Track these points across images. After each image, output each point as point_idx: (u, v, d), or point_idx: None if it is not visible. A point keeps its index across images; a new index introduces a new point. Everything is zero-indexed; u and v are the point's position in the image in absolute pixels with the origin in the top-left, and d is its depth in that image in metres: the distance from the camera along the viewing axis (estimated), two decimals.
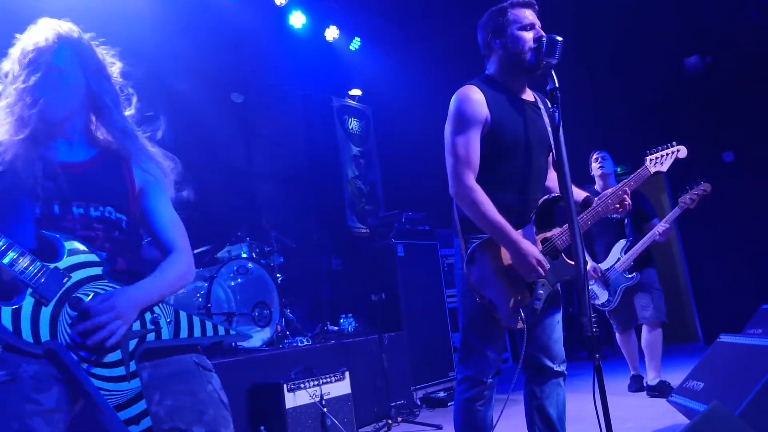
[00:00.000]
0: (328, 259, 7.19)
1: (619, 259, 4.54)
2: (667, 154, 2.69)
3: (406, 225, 6.04)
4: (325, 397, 3.88)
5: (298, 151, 7.59)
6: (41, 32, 1.67)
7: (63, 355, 1.44)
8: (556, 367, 2.33)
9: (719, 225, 7.06)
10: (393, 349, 4.99)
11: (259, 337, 4.70)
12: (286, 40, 7.04)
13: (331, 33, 7.43)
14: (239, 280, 4.95)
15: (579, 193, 2.48)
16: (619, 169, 7.70)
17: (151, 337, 1.60)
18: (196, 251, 4.70)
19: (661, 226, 4.42)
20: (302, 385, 3.80)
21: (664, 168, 2.68)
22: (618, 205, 2.44)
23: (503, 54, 2.36)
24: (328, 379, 3.99)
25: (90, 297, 1.54)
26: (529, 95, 2.45)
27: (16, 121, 1.63)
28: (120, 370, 1.51)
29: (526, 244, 2.18)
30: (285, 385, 3.71)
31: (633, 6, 7.26)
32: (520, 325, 2.17)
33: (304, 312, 6.17)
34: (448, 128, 2.32)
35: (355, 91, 8.42)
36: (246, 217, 5.85)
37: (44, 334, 1.44)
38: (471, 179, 2.23)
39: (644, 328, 4.56)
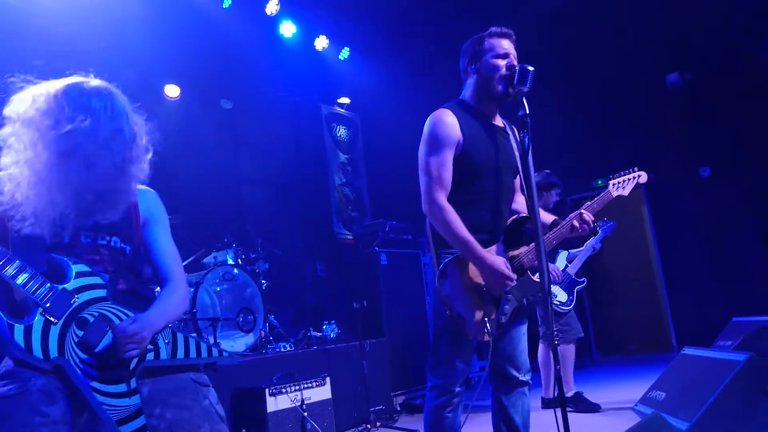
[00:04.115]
0: (313, 265, 7.27)
1: (567, 265, 4.85)
2: (629, 179, 2.76)
3: (389, 234, 6.14)
4: (305, 402, 3.98)
5: (286, 158, 7.67)
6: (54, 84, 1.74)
7: (69, 371, 1.55)
8: (521, 377, 2.46)
9: (696, 238, 7.24)
10: (374, 355, 5.09)
11: (242, 342, 4.79)
12: (276, 49, 7.13)
13: (321, 42, 7.54)
14: (225, 285, 5.04)
15: (547, 216, 2.62)
16: (600, 182, 7.87)
17: (150, 356, 1.72)
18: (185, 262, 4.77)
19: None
20: (284, 390, 3.90)
21: (626, 192, 2.76)
22: (581, 224, 2.55)
23: (477, 79, 2.51)
24: (310, 385, 4.09)
25: (96, 318, 1.65)
26: (499, 121, 2.59)
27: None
28: (122, 387, 1.62)
29: (492, 259, 2.31)
30: (267, 390, 3.81)
31: (614, 24, 7.42)
32: (486, 337, 2.30)
33: (288, 318, 6.25)
34: (422, 149, 2.46)
35: (344, 99, 8.54)
36: (232, 224, 5.94)
37: (53, 351, 1.55)
38: (442, 198, 2.36)
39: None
